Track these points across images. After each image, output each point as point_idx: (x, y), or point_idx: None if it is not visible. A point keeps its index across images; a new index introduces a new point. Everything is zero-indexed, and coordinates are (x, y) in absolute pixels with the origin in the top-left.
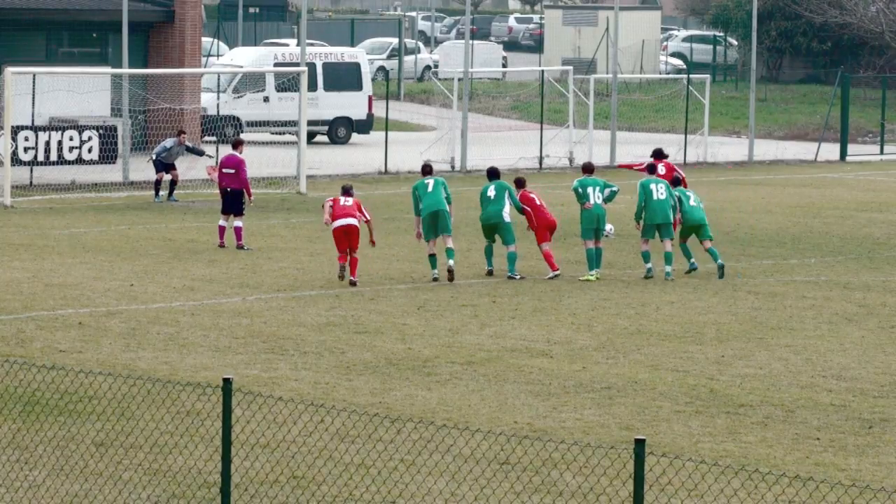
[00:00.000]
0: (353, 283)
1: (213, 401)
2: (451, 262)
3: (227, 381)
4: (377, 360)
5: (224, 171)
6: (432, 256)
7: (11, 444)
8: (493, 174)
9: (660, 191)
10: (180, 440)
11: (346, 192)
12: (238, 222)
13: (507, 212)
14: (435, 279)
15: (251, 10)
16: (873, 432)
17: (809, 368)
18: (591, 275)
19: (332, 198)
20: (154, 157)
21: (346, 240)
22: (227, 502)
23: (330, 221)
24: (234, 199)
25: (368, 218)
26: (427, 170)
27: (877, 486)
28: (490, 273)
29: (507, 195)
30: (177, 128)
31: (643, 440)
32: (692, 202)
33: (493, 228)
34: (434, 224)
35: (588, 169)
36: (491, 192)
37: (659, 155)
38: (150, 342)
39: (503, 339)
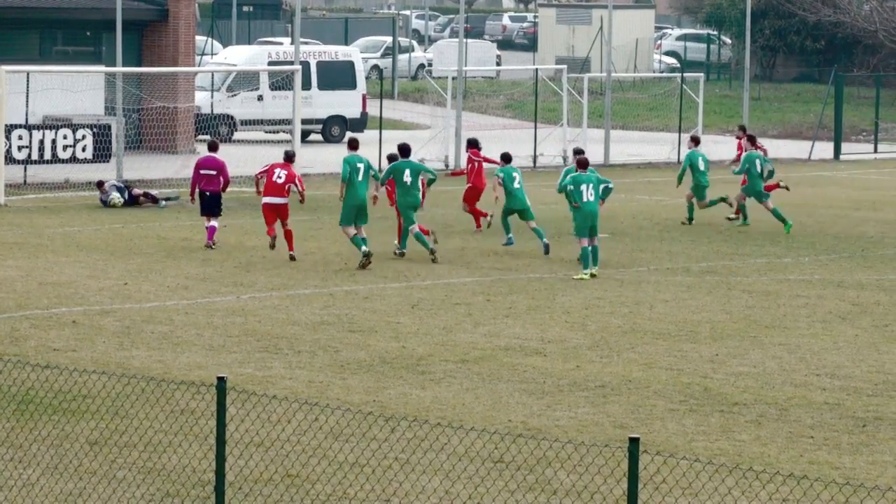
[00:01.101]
0: (291, 258)
1: (208, 399)
2: (367, 248)
3: (221, 380)
4: (371, 358)
5: (203, 172)
6: (356, 237)
7: (5, 442)
8: (406, 151)
9: (589, 191)
10: (174, 439)
11: (288, 158)
12: (214, 222)
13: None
14: (366, 254)
15: (245, 8)
16: (867, 431)
17: (803, 367)
18: (585, 273)
19: (267, 167)
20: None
21: (275, 215)
22: (221, 501)
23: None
24: (214, 201)
25: (302, 190)
26: (354, 144)
27: (870, 484)
28: (403, 255)
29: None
30: (171, 127)
31: (637, 438)
32: (516, 184)
33: (414, 209)
34: (358, 215)
35: (583, 164)
36: (407, 178)
37: (473, 144)
38: (145, 341)
39: (497, 338)
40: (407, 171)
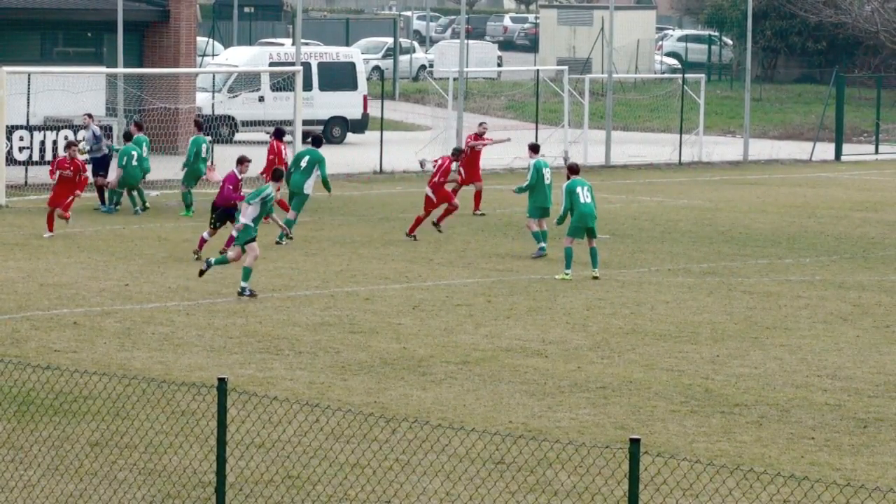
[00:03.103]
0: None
1: (209, 400)
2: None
3: (222, 381)
4: (372, 359)
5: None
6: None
7: (6, 443)
8: (318, 141)
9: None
10: (175, 440)
11: (68, 146)
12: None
13: (310, 185)
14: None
15: (246, 9)
16: (868, 432)
17: (804, 368)
18: (567, 273)
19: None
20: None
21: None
22: (222, 502)
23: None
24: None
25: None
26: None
27: (871, 485)
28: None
29: (316, 167)
30: (172, 128)
31: (638, 440)
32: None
33: (295, 196)
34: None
35: (574, 170)
36: (304, 162)
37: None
38: (145, 342)
39: (498, 339)
40: (306, 158)
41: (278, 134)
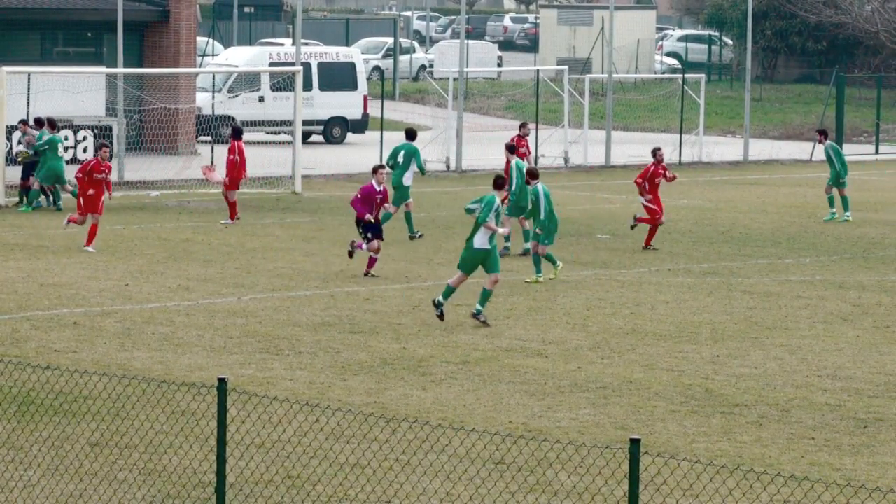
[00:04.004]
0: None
1: (209, 401)
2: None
3: (222, 381)
4: (372, 359)
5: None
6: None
7: (6, 444)
8: (411, 135)
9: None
10: (175, 440)
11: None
12: (366, 245)
13: (409, 177)
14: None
15: (246, 9)
16: (868, 432)
17: (804, 368)
18: (546, 275)
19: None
20: (30, 151)
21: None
22: (222, 502)
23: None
24: (370, 228)
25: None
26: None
27: (872, 485)
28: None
29: (413, 159)
30: (172, 128)
31: (638, 440)
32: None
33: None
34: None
35: (535, 174)
36: (401, 157)
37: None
38: (145, 342)
39: (498, 339)
40: (402, 152)
41: (237, 133)
